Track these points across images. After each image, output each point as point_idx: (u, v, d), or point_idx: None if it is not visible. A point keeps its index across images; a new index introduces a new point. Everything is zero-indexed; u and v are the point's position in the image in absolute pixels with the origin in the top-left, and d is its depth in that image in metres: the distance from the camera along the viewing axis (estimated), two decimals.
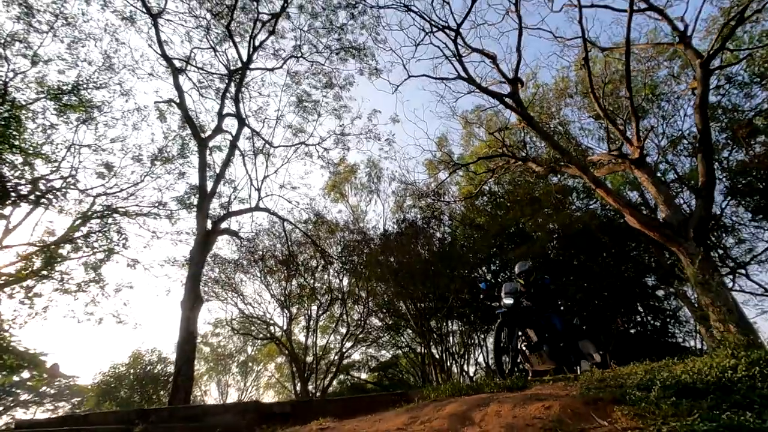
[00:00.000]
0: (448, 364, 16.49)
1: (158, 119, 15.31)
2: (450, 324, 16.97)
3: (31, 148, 11.98)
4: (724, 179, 13.41)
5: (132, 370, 24.23)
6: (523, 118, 9.38)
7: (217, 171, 13.82)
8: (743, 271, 13.92)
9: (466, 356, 17.42)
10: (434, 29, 10.01)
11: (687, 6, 21.58)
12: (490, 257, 15.88)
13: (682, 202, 14.45)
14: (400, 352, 21.39)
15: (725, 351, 2.98)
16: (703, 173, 7.66)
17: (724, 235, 14.31)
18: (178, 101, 12.54)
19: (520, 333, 5.53)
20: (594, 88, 8.85)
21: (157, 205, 15.15)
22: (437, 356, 16.26)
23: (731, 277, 14.05)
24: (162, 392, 23.57)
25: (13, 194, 9.22)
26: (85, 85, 13.36)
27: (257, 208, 13.48)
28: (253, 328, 20.79)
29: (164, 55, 12.50)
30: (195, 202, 15.31)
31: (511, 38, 28.69)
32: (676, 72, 14.16)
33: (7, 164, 10.65)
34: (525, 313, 5.53)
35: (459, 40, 9.84)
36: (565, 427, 2.40)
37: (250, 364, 31.54)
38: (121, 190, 14.14)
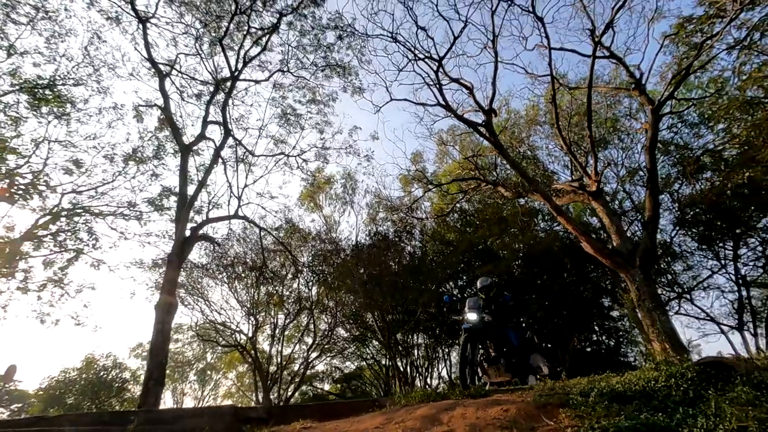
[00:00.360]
0: (412, 376, 16.82)
1: (135, 119, 15.13)
2: (416, 337, 17.31)
3: (1, 142, 11.69)
4: (674, 210, 14.54)
5: (84, 375, 23.23)
6: (495, 147, 10.04)
7: (194, 177, 13.82)
8: (688, 296, 14.97)
9: (430, 369, 17.77)
10: (418, 58, 10.62)
11: (643, 56, 23.43)
12: (458, 273, 16.37)
13: (637, 229, 15.50)
14: (364, 363, 21.55)
15: (650, 365, 3.56)
16: (650, 208, 8.52)
17: (672, 261, 15.39)
18: (162, 105, 12.51)
19: (480, 346, 6.01)
20: (560, 125, 9.66)
21: (127, 205, 14.87)
22: (402, 369, 16.56)
23: (678, 301, 15.08)
24: (114, 399, 22.64)
25: None
26: (62, 81, 13.15)
27: (236, 216, 13.49)
28: (216, 334, 20.46)
29: (151, 60, 12.47)
30: (167, 205, 15.17)
31: (488, 69, 30.05)
32: (635, 109, 15.34)
33: None
34: (486, 327, 5.93)
35: (440, 71, 10.49)
36: (519, 426, 2.87)
37: (209, 372, 30.75)
38: (94, 188, 13.84)
